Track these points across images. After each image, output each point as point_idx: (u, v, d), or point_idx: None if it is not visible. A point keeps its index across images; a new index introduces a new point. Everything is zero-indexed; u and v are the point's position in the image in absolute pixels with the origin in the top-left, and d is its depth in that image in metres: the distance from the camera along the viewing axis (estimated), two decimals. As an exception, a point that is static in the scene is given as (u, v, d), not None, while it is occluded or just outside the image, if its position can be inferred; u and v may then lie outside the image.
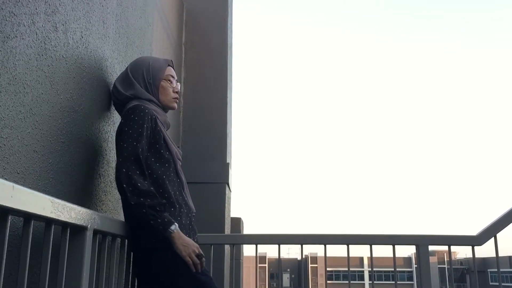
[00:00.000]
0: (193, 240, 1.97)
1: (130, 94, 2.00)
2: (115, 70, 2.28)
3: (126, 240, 1.87)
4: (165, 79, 2.08)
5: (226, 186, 3.93)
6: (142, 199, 1.77)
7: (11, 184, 1.03)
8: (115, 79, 2.27)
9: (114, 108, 2.26)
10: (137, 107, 1.92)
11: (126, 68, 2.08)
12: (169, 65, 2.13)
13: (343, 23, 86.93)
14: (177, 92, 2.13)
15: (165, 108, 2.10)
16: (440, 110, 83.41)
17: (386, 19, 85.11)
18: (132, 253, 1.95)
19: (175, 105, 2.14)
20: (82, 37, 1.87)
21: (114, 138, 2.26)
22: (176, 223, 1.81)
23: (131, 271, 1.92)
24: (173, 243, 1.79)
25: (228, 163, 4.03)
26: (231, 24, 4.57)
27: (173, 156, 1.99)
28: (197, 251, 1.81)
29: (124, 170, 1.80)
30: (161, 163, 1.93)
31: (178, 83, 2.16)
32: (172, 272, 1.83)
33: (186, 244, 1.80)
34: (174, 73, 2.14)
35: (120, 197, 1.92)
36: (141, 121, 1.87)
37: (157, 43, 3.22)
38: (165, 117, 2.07)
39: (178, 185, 1.99)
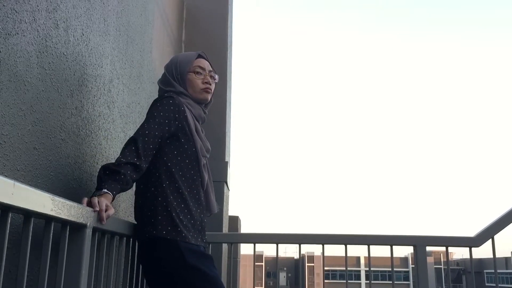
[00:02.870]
0: (202, 241, 1.97)
1: (168, 90, 2.05)
2: (115, 68, 2.28)
3: (125, 238, 1.87)
4: (191, 72, 2.07)
5: (225, 184, 3.93)
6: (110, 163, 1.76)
7: (12, 181, 1.02)
8: (115, 76, 2.28)
9: (114, 106, 2.26)
10: (167, 99, 1.95)
11: (164, 68, 2.15)
12: (199, 57, 2.11)
13: (344, 23, 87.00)
14: (207, 82, 2.08)
15: (197, 100, 2.07)
16: (439, 111, 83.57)
17: (386, 19, 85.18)
18: (138, 244, 1.94)
19: (206, 95, 2.08)
20: (83, 34, 1.87)
21: (113, 136, 2.26)
22: (110, 192, 1.66)
23: (129, 268, 1.92)
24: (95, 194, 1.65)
25: (227, 162, 4.04)
26: (231, 22, 4.57)
27: (197, 152, 1.97)
28: (110, 212, 1.59)
29: (127, 143, 1.84)
30: (182, 158, 1.94)
31: (211, 73, 2.12)
32: (180, 265, 1.82)
33: (108, 202, 1.60)
34: (204, 64, 2.10)
35: (120, 195, 1.91)
36: (162, 113, 1.91)
37: (157, 40, 3.22)
38: (200, 111, 2.07)
39: (197, 183, 1.98)
